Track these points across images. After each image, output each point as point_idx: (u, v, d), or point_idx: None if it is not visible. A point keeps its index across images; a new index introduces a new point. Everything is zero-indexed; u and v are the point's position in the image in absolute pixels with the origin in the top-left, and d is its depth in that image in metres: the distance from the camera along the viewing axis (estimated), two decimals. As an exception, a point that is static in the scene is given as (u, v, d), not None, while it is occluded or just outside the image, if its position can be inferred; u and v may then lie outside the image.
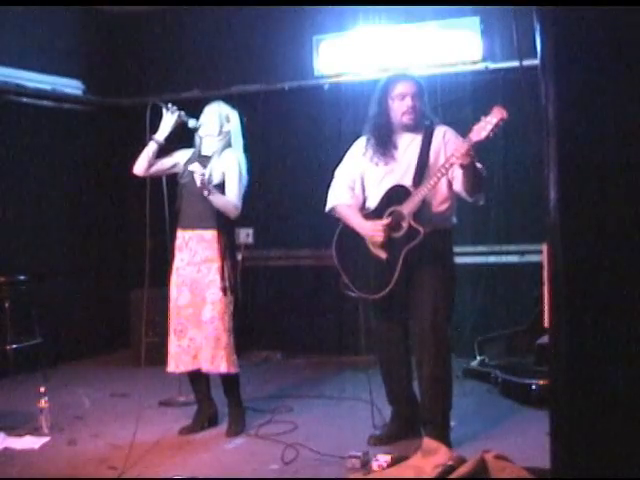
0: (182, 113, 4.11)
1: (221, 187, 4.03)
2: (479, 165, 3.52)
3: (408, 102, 3.66)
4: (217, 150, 4.09)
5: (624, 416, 1.68)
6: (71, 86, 6.35)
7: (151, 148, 4.10)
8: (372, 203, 3.77)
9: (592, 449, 1.71)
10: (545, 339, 4.61)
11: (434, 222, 3.64)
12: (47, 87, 6.12)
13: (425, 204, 3.60)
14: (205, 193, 3.87)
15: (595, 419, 1.70)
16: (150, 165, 4.12)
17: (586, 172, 1.70)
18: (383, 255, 3.65)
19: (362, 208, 3.82)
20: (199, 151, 4.14)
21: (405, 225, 3.57)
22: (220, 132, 4.10)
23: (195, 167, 3.91)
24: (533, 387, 4.45)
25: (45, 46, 6.11)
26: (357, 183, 3.83)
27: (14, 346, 5.26)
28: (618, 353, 1.68)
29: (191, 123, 4.10)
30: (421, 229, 3.53)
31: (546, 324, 1.85)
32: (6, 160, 5.76)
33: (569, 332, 1.72)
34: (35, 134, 6.00)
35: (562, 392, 1.75)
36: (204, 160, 4.08)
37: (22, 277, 5.43)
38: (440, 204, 3.67)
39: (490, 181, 3.60)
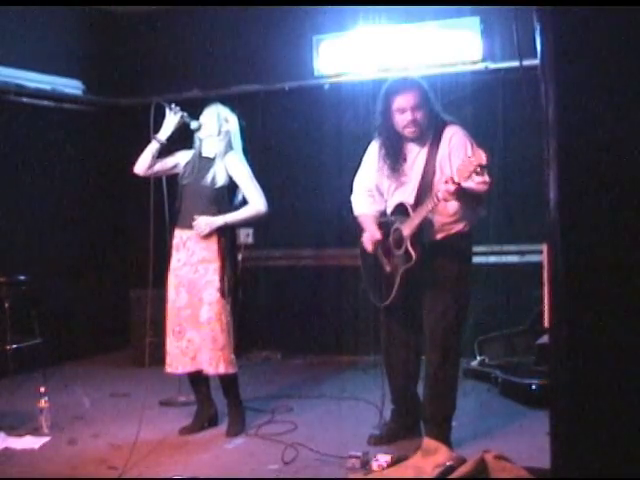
0: (185, 114, 4.12)
1: (226, 188, 4.05)
2: (484, 179, 3.42)
3: (408, 116, 3.61)
4: (219, 152, 4.08)
5: (624, 416, 1.68)
6: (71, 86, 6.35)
7: (153, 147, 4.11)
8: (389, 210, 3.80)
9: (592, 449, 1.71)
10: (545, 339, 4.61)
11: (445, 230, 3.65)
12: (47, 87, 6.12)
13: (431, 220, 3.59)
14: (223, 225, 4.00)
15: (595, 419, 1.70)
16: (151, 165, 4.13)
17: (586, 172, 1.70)
18: (387, 267, 3.71)
19: (384, 212, 3.84)
20: (199, 152, 4.15)
21: (403, 246, 3.59)
22: (219, 132, 4.11)
23: (197, 226, 3.99)
24: (533, 387, 4.45)
25: (45, 46, 6.11)
26: (375, 191, 3.87)
27: (14, 346, 5.25)
28: (618, 353, 1.68)
29: (193, 124, 4.11)
30: (414, 255, 3.53)
31: (546, 324, 1.85)
32: (6, 160, 5.76)
33: (569, 332, 1.72)
34: (35, 134, 6.00)
35: (562, 392, 1.75)
36: (205, 161, 4.09)
37: (22, 277, 5.42)
38: (451, 215, 3.64)
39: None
